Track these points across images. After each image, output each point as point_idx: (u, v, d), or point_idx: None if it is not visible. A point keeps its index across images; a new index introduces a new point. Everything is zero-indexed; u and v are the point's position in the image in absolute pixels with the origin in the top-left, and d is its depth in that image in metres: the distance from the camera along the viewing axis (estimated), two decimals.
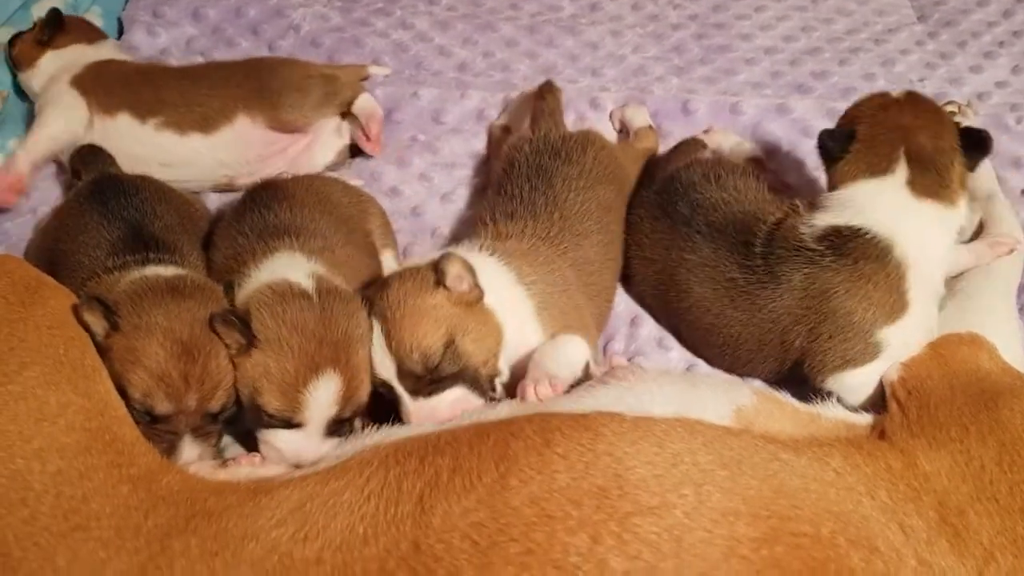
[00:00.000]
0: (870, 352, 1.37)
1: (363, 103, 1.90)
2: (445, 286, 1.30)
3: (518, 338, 1.36)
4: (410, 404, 1.28)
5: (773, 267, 1.42)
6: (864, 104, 1.54)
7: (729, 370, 1.51)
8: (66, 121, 1.77)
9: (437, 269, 1.30)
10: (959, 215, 1.44)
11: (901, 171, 1.43)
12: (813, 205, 1.47)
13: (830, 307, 1.37)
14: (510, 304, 1.36)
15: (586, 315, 1.46)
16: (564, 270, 1.46)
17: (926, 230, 1.41)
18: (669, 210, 1.55)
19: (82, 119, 1.77)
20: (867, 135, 1.48)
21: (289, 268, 1.35)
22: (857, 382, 1.38)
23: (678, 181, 1.58)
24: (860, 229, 1.40)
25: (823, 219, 1.43)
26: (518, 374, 1.36)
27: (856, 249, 1.38)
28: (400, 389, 1.28)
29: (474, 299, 1.32)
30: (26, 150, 1.75)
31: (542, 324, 1.37)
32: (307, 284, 1.31)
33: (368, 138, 1.88)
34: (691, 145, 1.78)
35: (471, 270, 1.32)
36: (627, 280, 1.66)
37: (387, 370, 1.29)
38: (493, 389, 1.33)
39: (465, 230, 1.70)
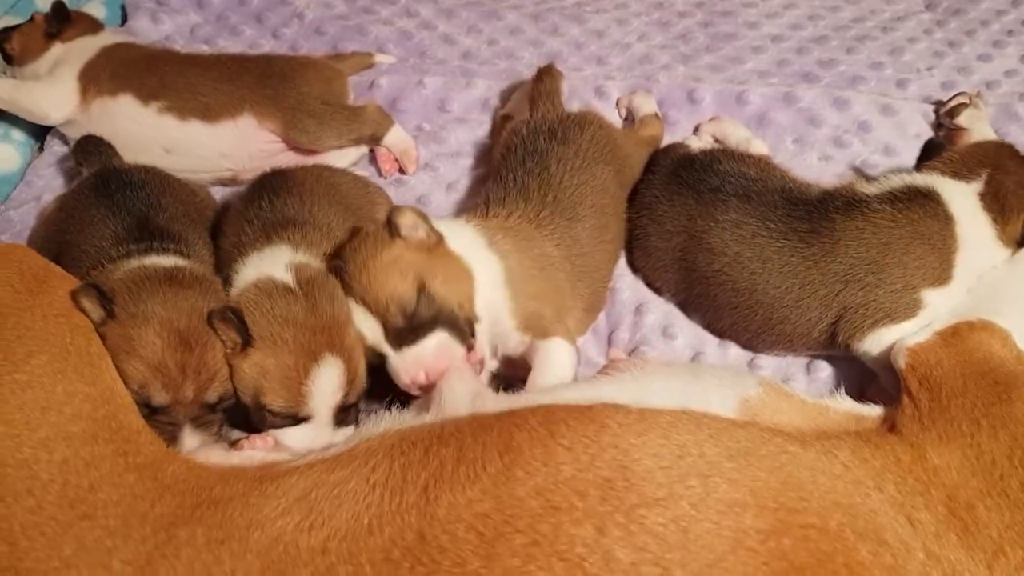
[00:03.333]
0: (910, 308, 1.42)
1: (395, 137, 1.84)
2: (401, 236, 1.30)
3: (487, 298, 1.35)
4: (395, 358, 1.28)
5: (827, 221, 1.46)
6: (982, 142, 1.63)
7: (752, 339, 1.52)
8: (47, 106, 1.78)
9: (390, 223, 1.30)
10: (1001, 254, 1.48)
11: (977, 184, 1.49)
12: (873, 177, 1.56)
13: (885, 260, 1.42)
14: (477, 265, 1.36)
15: (568, 297, 1.45)
16: (547, 249, 1.45)
17: (982, 236, 1.46)
18: (691, 183, 1.56)
19: (62, 110, 1.78)
20: (963, 151, 1.58)
21: (271, 263, 1.34)
22: (890, 339, 1.40)
23: (697, 160, 1.59)
24: (934, 191, 1.48)
25: (891, 182, 1.51)
26: (505, 362, 1.38)
27: (924, 208, 1.46)
28: (387, 348, 1.28)
29: (434, 243, 1.32)
30: None
31: (512, 295, 1.37)
32: (287, 277, 1.30)
33: (403, 171, 1.84)
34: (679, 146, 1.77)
35: (424, 217, 1.32)
36: (634, 265, 1.65)
37: (373, 332, 1.29)
38: (472, 334, 1.32)
39: None
